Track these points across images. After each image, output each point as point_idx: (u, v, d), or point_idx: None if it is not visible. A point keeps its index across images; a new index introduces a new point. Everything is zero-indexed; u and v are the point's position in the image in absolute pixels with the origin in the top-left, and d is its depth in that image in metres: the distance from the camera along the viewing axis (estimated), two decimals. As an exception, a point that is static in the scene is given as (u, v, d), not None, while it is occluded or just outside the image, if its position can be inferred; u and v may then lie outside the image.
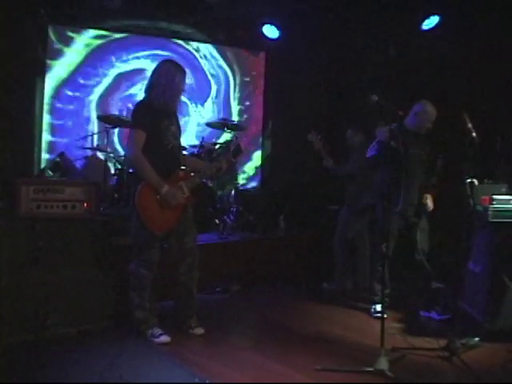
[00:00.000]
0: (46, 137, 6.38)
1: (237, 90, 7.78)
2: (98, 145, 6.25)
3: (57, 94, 6.44)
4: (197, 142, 6.60)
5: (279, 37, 7.16)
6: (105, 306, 3.98)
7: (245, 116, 7.82)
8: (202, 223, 5.43)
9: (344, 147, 5.61)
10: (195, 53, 7.38)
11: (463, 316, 4.19)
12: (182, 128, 4.06)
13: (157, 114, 3.73)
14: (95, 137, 6.39)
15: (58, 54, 6.42)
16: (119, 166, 6.02)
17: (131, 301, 3.82)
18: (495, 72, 5.60)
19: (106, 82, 6.77)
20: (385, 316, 3.55)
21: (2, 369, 3.27)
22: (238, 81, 7.78)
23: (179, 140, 3.98)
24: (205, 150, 6.18)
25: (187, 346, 3.77)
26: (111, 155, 6.03)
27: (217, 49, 7.56)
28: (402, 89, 6.32)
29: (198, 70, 7.37)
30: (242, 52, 7.79)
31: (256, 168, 7.95)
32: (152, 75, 3.82)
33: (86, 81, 6.64)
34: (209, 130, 7.05)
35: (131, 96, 6.75)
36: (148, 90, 3.81)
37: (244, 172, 7.74)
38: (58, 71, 6.43)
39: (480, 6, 5.63)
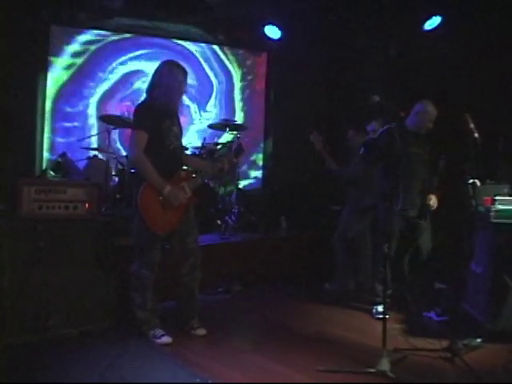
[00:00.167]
0: (47, 137, 6.39)
1: (238, 90, 7.78)
2: (99, 145, 6.25)
3: (58, 94, 6.44)
4: (198, 144, 6.60)
5: (281, 37, 7.16)
6: (106, 306, 3.98)
7: (246, 116, 7.81)
8: (203, 224, 5.44)
9: (344, 148, 5.61)
10: (197, 53, 7.37)
11: (465, 317, 4.19)
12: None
13: (158, 114, 3.73)
14: (97, 137, 6.39)
15: (59, 54, 6.43)
16: (121, 167, 6.01)
17: (133, 301, 3.82)
18: (497, 72, 5.59)
19: (108, 82, 6.77)
20: (387, 317, 3.54)
21: (2, 369, 3.27)
22: (239, 81, 7.77)
23: (181, 140, 3.98)
24: (206, 151, 6.18)
25: (189, 346, 3.77)
26: (113, 156, 6.03)
27: (218, 49, 7.55)
28: (403, 89, 6.31)
29: (199, 71, 7.37)
30: (244, 52, 7.79)
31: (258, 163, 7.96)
32: (153, 76, 3.82)
33: (88, 81, 6.64)
34: (210, 130, 7.06)
35: (132, 96, 6.74)
36: (149, 90, 3.81)
37: (245, 172, 7.75)
38: (59, 71, 6.44)
39: (481, 7, 5.62)
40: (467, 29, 5.83)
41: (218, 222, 6.03)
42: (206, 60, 7.45)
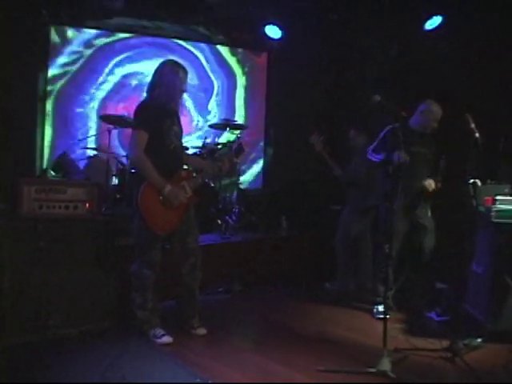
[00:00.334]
0: (48, 137, 6.38)
1: (239, 90, 7.77)
2: (99, 145, 6.24)
3: (58, 94, 6.44)
4: (199, 143, 6.59)
5: (281, 37, 7.15)
6: (106, 306, 3.98)
7: (247, 116, 7.81)
8: (204, 224, 5.43)
9: (345, 148, 5.60)
10: (197, 53, 7.37)
11: (465, 317, 4.18)
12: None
13: (159, 114, 3.73)
14: (97, 137, 6.38)
15: (59, 55, 6.42)
16: (121, 166, 6.01)
17: (133, 301, 3.81)
18: (497, 72, 5.58)
19: (108, 82, 6.77)
20: (387, 317, 3.54)
21: (2, 369, 3.27)
22: (240, 81, 7.77)
23: (181, 140, 3.97)
24: (207, 150, 6.18)
25: (189, 346, 3.76)
26: (113, 155, 6.02)
27: (219, 49, 7.55)
28: (404, 89, 6.30)
29: (200, 71, 7.37)
30: (244, 52, 7.78)
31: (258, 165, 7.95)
32: (154, 75, 3.81)
33: (88, 81, 6.64)
34: (210, 130, 7.05)
35: (132, 96, 6.74)
36: (150, 90, 3.81)
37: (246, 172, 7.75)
38: (59, 72, 6.43)
39: (482, 7, 5.62)
40: (468, 29, 5.83)
41: (219, 221, 6.02)
42: (207, 60, 7.45)
